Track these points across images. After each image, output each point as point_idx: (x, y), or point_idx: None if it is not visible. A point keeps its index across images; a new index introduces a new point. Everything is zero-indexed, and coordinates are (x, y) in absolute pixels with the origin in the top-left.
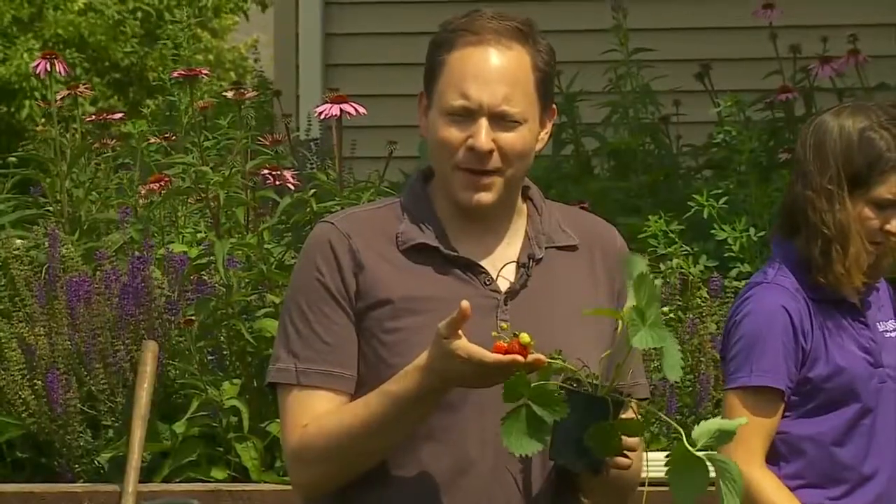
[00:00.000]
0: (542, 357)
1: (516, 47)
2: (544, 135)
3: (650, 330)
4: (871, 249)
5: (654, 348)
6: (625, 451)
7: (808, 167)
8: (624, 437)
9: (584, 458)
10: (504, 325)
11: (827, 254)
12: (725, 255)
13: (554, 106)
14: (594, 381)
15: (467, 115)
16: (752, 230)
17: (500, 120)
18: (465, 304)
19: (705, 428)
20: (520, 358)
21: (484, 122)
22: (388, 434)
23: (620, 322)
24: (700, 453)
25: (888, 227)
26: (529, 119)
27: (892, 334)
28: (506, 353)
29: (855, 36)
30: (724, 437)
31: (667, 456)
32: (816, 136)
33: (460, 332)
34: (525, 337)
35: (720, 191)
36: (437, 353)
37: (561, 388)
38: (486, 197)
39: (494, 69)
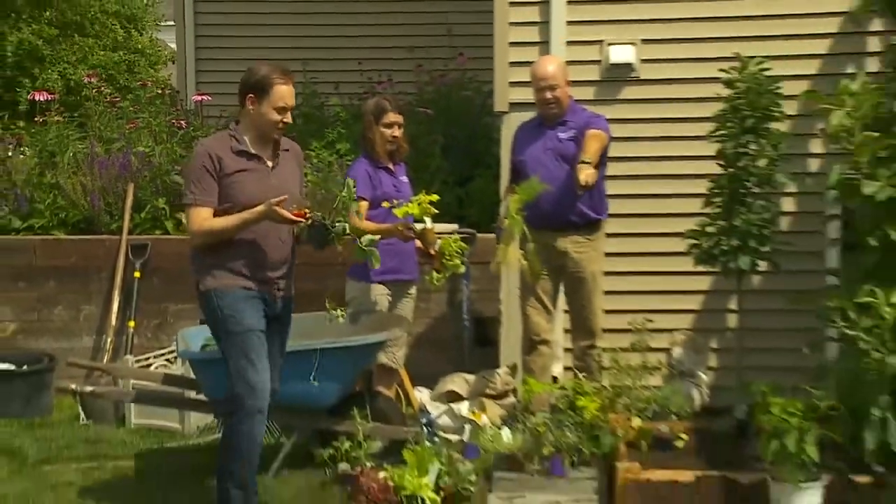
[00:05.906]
0: (304, 215)
1: None
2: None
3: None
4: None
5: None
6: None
7: None
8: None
9: (320, 244)
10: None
11: None
12: None
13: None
14: (322, 219)
15: (283, 110)
16: None
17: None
18: (284, 197)
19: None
20: (297, 219)
21: (289, 114)
22: (238, 230)
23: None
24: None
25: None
26: None
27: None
28: (296, 217)
29: None
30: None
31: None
32: None
33: (279, 200)
34: (306, 212)
35: None
36: (267, 209)
37: (312, 222)
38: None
39: (292, 94)
